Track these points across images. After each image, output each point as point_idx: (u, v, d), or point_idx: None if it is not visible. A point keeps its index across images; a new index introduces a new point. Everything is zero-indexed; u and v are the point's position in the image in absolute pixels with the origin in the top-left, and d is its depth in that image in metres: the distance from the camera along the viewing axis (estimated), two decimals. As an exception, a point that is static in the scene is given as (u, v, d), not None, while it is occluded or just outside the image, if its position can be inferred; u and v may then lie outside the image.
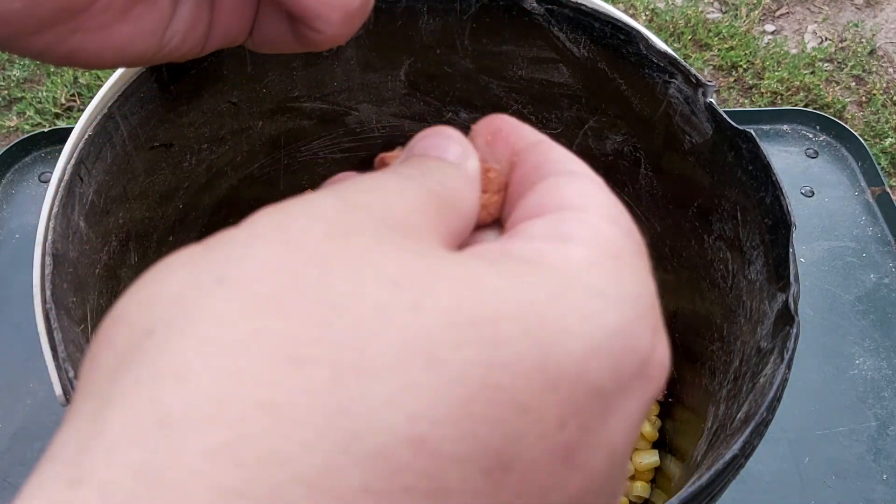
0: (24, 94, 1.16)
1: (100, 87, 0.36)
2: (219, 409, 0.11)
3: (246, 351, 0.12)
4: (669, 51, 0.37)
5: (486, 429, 0.12)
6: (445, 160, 0.19)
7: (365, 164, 0.29)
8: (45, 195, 0.34)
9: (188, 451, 0.11)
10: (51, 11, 0.20)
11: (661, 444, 0.46)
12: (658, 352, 0.15)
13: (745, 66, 1.26)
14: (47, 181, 0.58)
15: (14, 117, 1.14)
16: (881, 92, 1.25)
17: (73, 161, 0.34)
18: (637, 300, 0.15)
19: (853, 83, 1.26)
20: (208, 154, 0.42)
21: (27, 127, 1.13)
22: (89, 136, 0.35)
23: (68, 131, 0.36)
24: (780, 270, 0.35)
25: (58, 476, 0.11)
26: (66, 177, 0.34)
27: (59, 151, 0.35)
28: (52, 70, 1.18)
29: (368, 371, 0.12)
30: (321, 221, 0.14)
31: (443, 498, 0.12)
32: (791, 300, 0.33)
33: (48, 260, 0.34)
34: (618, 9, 0.40)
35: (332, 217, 0.14)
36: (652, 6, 1.33)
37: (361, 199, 0.15)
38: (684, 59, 0.36)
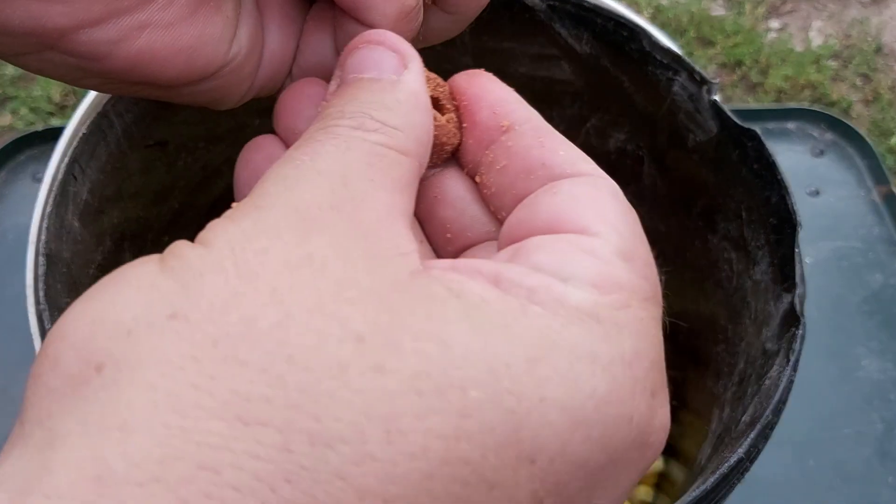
0: (17, 93, 1.16)
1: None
2: (160, 471, 0.11)
3: (194, 406, 0.11)
4: (673, 47, 0.37)
5: None
6: (381, 80, 0.17)
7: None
8: (38, 195, 0.34)
9: None
10: None
11: (665, 447, 0.46)
12: (658, 417, 0.14)
13: (749, 63, 1.25)
14: (41, 180, 0.58)
15: (8, 115, 1.13)
16: (887, 90, 1.24)
17: (66, 160, 0.34)
18: (634, 361, 0.13)
19: (859, 81, 1.26)
20: (204, 152, 0.41)
21: (21, 125, 1.12)
22: (83, 134, 0.34)
23: (62, 130, 0.35)
24: (785, 271, 0.34)
25: None
26: (59, 176, 0.34)
27: (54, 150, 0.35)
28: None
29: (321, 438, 0.11)
30: (276, 240, 0.13)
31: None
32: (797, 301, 0.32)
33: (41, 260, 0.33)
34: (621, 4, 0.39)
35: (287, 234, 0.13)
36: (655, 2, 1.32)
37: (309, 198, 0.14)
38: (688, 55, 0.36)
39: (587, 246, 0.14)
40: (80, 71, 0.18)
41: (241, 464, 0.11)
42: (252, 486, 0.11)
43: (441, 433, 0.11)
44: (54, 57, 0.18)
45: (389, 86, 0.17)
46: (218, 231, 0.14)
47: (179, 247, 0.14)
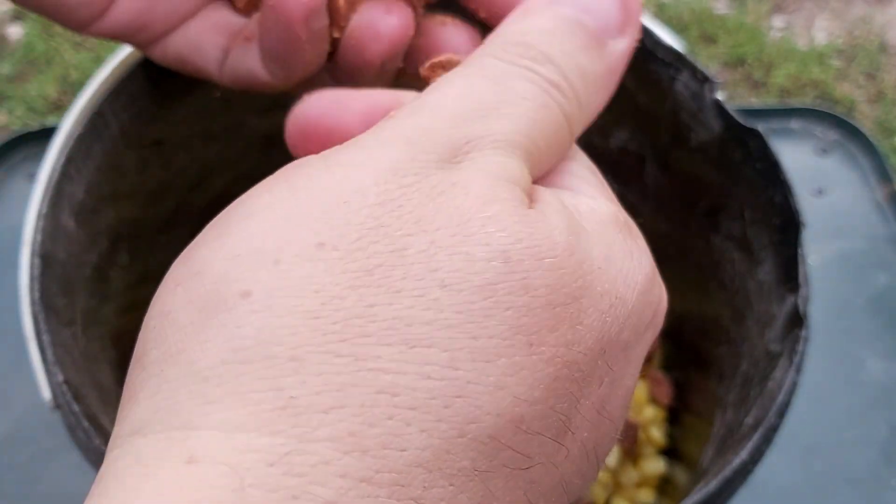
0: (12, 92, 1.16)
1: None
2: (342, 398, 0.11)
3: (360, 335, 0.12)
4: (675, 45, 0.36)
5: (563, 402, 0.13)
6: (595, 38, 0.16)
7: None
8: (33, 194, 0.34)
9: (316, 439, 0.11)
10: None
11: (668, 450, 0.46)
12: (663, 297, 0.16)
13: (752, 62, 1.24)
14: (36, 180, 0.57)
15: (3, 114, 1.13)
16: (892, 88, 1.23)
17: (62, 159, 0.33)
18: (648, 253, 0.16)
19: (863, 79, 1.25)
20: (200, 151, 0.41)
21: (17, 124, 1.12)
22: (79, 133, 0.34)
23: (57, 129, 0.35)
24: (789, 271, 0.34)
25: (169, 453, 0.11)
26: (55, 175, 0.33)
27: (49, 149, 0.35)
28: (41, 67, 1.17)
29: (481, 355, 0.12)
30: (423, 176, 0.13)
31: (526, 467, 0.12)
32: (800, 302, 0.32)
33: (37, 261, 0.33)
34: (622, 2, 0.39)
35: (432, 168, 0.14)
36: (658, 0, 1.32)
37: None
38: (690, 53, 0.35)
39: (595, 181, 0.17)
40: None
41: (414, 385, 0.12)
42: (428, 404, 0.12)
43: (564, 342, 0.13)
44: None
45: (598, 50, 0.17)
46: (361, 155, 0.14)
47: (309, 164, 0.14)
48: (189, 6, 0.25)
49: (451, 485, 0.11)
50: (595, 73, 0.17)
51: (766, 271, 0.36)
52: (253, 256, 0.12)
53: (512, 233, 0.13)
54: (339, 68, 0.24)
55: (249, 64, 0.24)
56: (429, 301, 0.12)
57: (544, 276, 0.13)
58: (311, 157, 0.14)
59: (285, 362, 0.11)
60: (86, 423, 0.28)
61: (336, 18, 0.22)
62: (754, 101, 1.24)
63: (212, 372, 0.11)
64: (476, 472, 0.12)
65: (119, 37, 0.25)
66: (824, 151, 0.61)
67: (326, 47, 0.23)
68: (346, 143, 0.14)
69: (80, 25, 0.24)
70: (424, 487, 0.11)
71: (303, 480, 0.11)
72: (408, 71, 0.25)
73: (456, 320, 0.12)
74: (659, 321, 0.16)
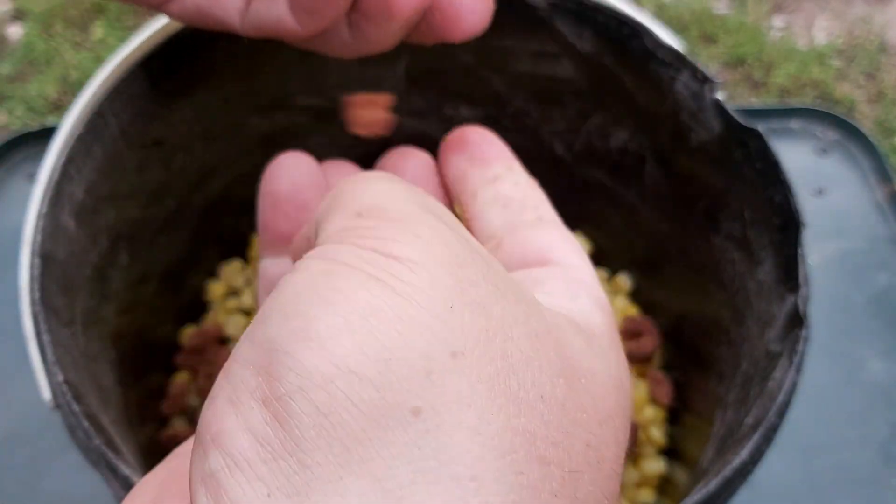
0: (13, 91, 1.15)
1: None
2: None
3: (510, 449, 0.12)
4: (676, 45, 0.36)
5: None
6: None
7: (363, 160, 0.28)
8: (33, 194, 0.34)
9: None
10: None
11: (668, 450, 0.45)
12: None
13: (752, 62, 1.24)
14: (36, 180, 0.57)
15: (3, 114, 1.13)
16: (892, 88, 1.23)
17: (62, 159, 0.33)
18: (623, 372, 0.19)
19: (863, 79, 1.25)
20: (201, 152, 0.41)
21: (17, 124, 1.12)
22: (79, 133, 0.34)
23: (57, 129, 0.35)
24: (789, 271, 0.34)
25: None
26: (55, 175, 0.33)
27: (49, 149, 0.35)
28: (41, 67, 1.17)
29: (577, 462, 0.14)
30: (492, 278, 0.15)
31: None
32: (800, 302, 0.32)
33: (37, 261, 0.33)
34: (623, 2, 0.39)
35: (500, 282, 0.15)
36: (658, 0, 1.32)
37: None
38: (690, 53, 0.35)
39: (576, 275, 0.19)
40: None
41: (540, 498, 0.12)
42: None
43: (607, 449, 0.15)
44: None
45: None
46: (418, 249, 0.14)
47: (386, 264, 0.13)
48: None
49: None
50: None
51: (766, 271, 0.36)
52: (404, 365, 0.12)
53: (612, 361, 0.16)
54: (362, 17, 0.24)
55: (277, 12, 0.24)
56: (556, 420, 0.13)
57: None
58: (363, 251, 0.14)
59: (468, 482, 0.12)
60: (86, 423, 0.28)
61: None
62: (754, 101, 1.23)
63: (404, 492, 0.11)
64: None
65: None
66: (824, 151, 0.61)
67: None
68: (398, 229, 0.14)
69: None
70: None
71: None
72: (420, 26, 0.25)
73: (562, 437, 0.13)
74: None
